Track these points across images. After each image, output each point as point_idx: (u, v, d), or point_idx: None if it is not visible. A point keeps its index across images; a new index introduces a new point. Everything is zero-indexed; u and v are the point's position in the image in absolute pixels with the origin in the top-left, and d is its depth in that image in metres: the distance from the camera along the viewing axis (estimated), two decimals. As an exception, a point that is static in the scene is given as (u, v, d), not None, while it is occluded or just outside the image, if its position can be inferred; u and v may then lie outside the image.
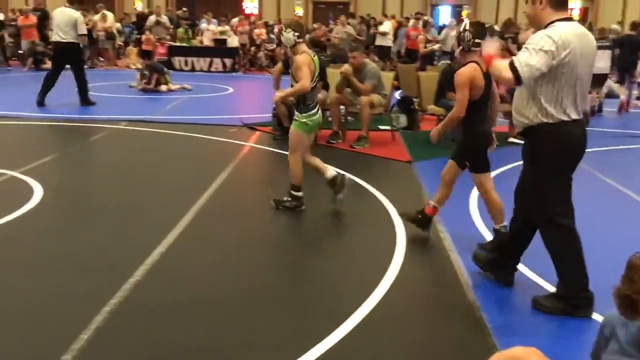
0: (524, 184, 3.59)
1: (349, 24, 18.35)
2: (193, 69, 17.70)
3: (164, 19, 19.28)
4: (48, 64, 14.16)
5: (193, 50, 18.26)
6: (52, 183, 5.84)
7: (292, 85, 5.21)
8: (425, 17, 18.30)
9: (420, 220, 4.66)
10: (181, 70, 17.41)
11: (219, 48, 18.27)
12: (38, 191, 5.51)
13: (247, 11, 22.70)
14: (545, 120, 3.35)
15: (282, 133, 8.39)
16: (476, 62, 4.12)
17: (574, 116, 3.37)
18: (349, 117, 8.63)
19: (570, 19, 3.41)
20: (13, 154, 7.04)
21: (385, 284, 3.82)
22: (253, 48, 19.13)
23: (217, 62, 17.85)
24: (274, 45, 16.21)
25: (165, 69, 13.44)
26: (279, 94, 5.34)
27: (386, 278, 3.90)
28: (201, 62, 17.85)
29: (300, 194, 5.28)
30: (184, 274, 3.96)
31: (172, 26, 19.45)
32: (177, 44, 18.53)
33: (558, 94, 3.31)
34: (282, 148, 7.79)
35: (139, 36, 19.04)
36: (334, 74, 8.51)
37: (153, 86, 12.71)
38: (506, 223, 4.15)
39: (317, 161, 5.39)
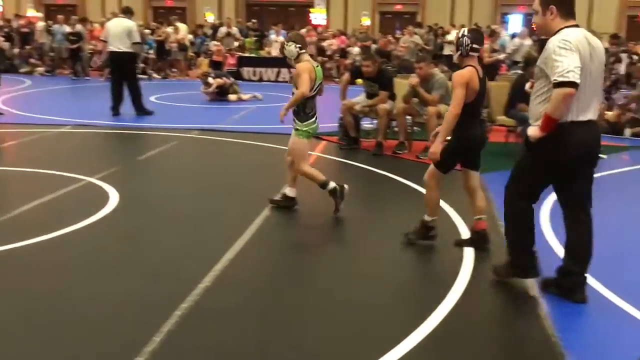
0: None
1: (415, 33, 18.26)
2: (261, 79, 18.03)
3: (234, 30, 19.72)
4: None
5: (261, 61, 18.61)
6: (126, 189, 6.07)
7: (292, 93, 5.36)
8: (494, 26, 17.99)
9: (477, 240, 4.63)
10: (249, 80, 17.76)
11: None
12: (114, 197, 5.74)
13: (314, 22, 22.89)
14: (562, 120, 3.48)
15: (349, 143, 8.43)
16: (474, 67, 4.34)
17: (583, 118, 3.52)
18: (415, 128, 8.57)
19: (576, 25, 3.57)
20: (90, 161, 7.36)
21: (450, 300, 3.76)
22: (320, 58, 19.29)
23: (284, 72, 18.10)
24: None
25: (234, 80, 13.75)
26: (282, 110, 5.44)
27: (452, 294, 3.85)
28: (269, 72, 18.16)
29: (332, 185, 5.34)
30: (252, 280, 4.03)
31: (242, 37, 19.87)
32: (246, 54, 18.92)
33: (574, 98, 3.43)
34: (348, 158, 7.83)
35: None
36: (400, 85, 8.49)
37: (212, 91, 12.98)
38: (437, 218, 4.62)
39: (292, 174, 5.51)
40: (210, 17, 25.49)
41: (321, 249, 4.82)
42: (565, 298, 3.75)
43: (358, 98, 8.59)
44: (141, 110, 10.81)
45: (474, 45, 4.32)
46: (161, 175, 7.00)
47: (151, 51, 18.06)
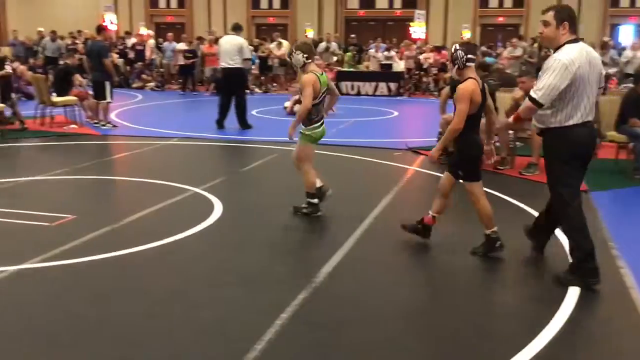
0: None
1: (518, 46, 17.76)
2: (359, 93, 18.15)
3: (334, 45, 20.00)
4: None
5: (359, 75, 18.76)
6: (230, 200, 6.29)
7: (299, 102, 5.50)
8: (605, 38, 17.17)
9: (420, 230, 4.96)
10: (347, 94, 17.92)
11: (385, 73, 18.58)
12: (218, 207, 5.96)
13: (414, 36, 22.76)
14: (554, 125, 4.12)
15: (448, 158, 8.31)
16: (474, 78, 4.48)
17: (577, 120, 4.08)
18: (517, 143, 8.33)
19: (577, 40, 4.12)
20: (196, 172, 7.69)
21: (559, 319, 3.63)
22: (419, 72, 19.18)
23: (382, 86, 18.15)
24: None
25: None
26: (290, 129, 5.68)
27: (560, 314, 3.70)
28: (367, 87, 18.26)
29: (315, 200, 5.69)
30: (350, 293, 4.06)
31: (340, 52, 20.12)
32: (345, 69, 19.12)
33: (569, 103, 4.05)
34: (447, 173, 7.72)
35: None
36: (503, 99, 8.29)
37: (290, 106, 13.22)
38: (496, 229, 4.66)
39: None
40: (311, 33, 25.99)
41: (420, 263, 4.78)
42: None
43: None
44: (244, 124, 11.18)
45: (469, 56, 4.48)
46: (263, 187, 7.19)
47: (254, 66, 18.65)
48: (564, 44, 4.09)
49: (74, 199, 6.44)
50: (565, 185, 4.18)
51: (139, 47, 20.55)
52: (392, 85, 18.18)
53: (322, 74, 5.64)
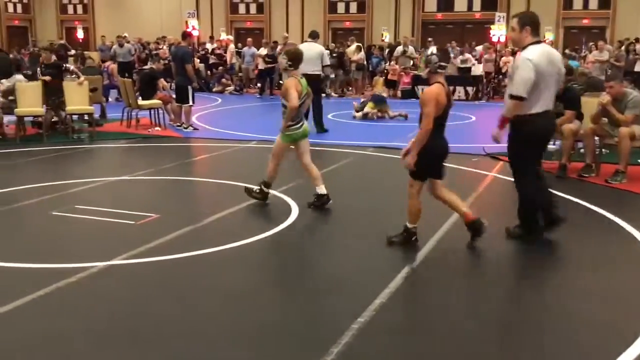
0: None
1: (604, 49, 17.07)
2: (435, 97, 17.91)
3: (410, 49, 19.85)
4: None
5: (436, 79, 18.52)
6: (306, 202, 6.34)
7: (283, 105, 6.08)
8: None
9: (475, 231, 5.01)
10: (424, 98, 17.75)
11: (462, 76, 18.27)
12: (294, 209, 6.04)
13: (494, 39, 22.27)
14: (520, 114, 4.89)
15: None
16: (441, 83, 4.79)
17: (544, 109, 4.91)
18: (604, 150, 8.00)
19: (539, 42, 5.00)
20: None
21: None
22: (498, 76, 18.75)
23: (460, 90, 17.84)
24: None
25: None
26: (282, 127, 6.13)
27: (648, 330, 3.54)
28: (444, 91, 18.01)
29: (267, 191, 6.23)
30: (426, 299, 4.02)
31: (417, 56, 19.94)
32: (421, 72, 18.91)
33: (531, 95, 4.82)
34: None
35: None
36: (588, 103, 7.98)
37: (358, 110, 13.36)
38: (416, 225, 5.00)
39: (315, 171, 6.20)
40: (387, 37, 25.90)
41: (496, 270, 4.67)
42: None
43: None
44: (321, 128, 11.31)
45: (441, 64, 4.83)
46: (338, 191, 7.21)
47: (331, 71, 18.77)
48: (528, 45, 4.91)
49: (158, 199, 6.68)
50: (523, 160, 5.06)
51: (218, 52, 21.09)
52: (470, 89, 17.86)
53: (301, 77, 6.15)
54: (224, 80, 20.22)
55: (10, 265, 4.50)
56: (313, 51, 11.18)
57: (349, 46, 19.64)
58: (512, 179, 5.31)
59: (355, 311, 3.72)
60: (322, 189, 6.14)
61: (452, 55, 19.49)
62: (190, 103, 11.46)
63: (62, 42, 24.14)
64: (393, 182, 7.63)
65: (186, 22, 20.10)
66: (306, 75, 11.19)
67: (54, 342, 3.42)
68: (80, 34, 29.45)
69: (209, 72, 20.72)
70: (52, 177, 7.44)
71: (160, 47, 20.64)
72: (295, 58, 6.17)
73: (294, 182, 7.24)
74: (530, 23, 4.95)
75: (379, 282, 4.19)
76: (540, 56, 4.83)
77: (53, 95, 10.53)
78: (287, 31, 26.01)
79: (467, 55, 18.81)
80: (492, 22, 23.42)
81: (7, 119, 10.51)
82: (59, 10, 32.67)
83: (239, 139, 10.49)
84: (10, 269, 4.45)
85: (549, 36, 24.10)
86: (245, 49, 20.09)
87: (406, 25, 28.45)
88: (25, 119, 10.68)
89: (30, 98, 10.37)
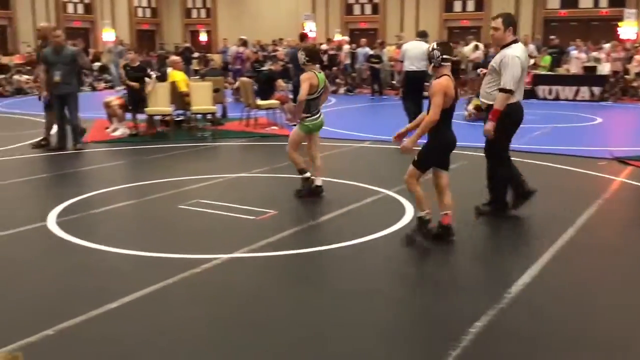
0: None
1: None
2: (557, 98, 17.16)
3: (531, 47, 19.11)
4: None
5: (558, 79, 17.71)
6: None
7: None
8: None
9: (442, 234, 5.04)
10: (544, 99, 17.04)
11: (587, 76, 17.34)
12: (409, 210, 6.01)
13: (622, 36, 20.97)
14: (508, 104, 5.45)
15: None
16: (448, 75, 4.87)
17: (517, 99, 5.54)
18: None
19: (517, 40, 5.58)
20: (387, 175, 7.80)
21: None
22: (628, 76, 17.64)
23: (584, 90, 16.97)
24: None
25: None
26: (292, 116, 6.70)
27: None
28: (566, 91, 17.19)
29: (307, 175, 6.57)
30: (548, 307, 3.88)
31: (538, 55, 19.17)
32: (542, 72, 18.18)
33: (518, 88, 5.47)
34: (661, 186, 7.03)
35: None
36: None
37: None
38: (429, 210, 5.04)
39: (319, 163, 6.62)
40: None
41: (619, 282, 4.41)
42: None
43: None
44: None
45: (445, 57, 4.86)
46: (455, 192, 7.10)
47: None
48: (510, 43, 5.47)
49: (275, 196, 6.89)
50: (505, 144, 5.67)
51: (331, 53, 21.37)
52: (596, 90, 16.92)
53: (320, 72, 6.48)
54: (337, 80, 20.46)
55: (141, 254, 4.82)
56: (419, 49, 11.09)
57: (466, 45, 19.21)
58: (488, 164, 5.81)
59: (474, 315, 3.65)
60: (319, 181, 6.58)
61: (574, 51, 18.56)
62: (307, 103, 11.69)
63: (187, 45, 25.42)
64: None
65: (303, 24, 20.55)
66: (410, 72, 11.25)
67: (180, 329, 3.63)
68: (203, 37, 30.92)
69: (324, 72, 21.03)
70: (179, 173, 7.88)
71: (278, 48, 21.21)
72: (312, 55, 6.51)
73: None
74: (512, 23, 5.57)
75: (498, 286, 4.10)
76: (522, 53, 5.50)
77: (136, 97, 10.90)
78: (402, 31, 25.88)
79: (595, 54, 17.83)
80: (620, 19, 22.11)
81: (138, 117, 11.25)
82: (184, 14, 34.44)
83: (353, 139, 10.58)
84: (141, 258, 4.77)
85: None
86: (359, 49, 20.21)
87: (526, 23, 27.39)
88: (155, 117, 11.37)
89: (159, 98, 11.04)
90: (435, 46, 4.95)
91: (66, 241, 5.14)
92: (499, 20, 5.52)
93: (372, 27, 30.29)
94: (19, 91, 19.26)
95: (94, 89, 20.71)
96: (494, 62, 5.56)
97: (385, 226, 5.50)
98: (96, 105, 12.80)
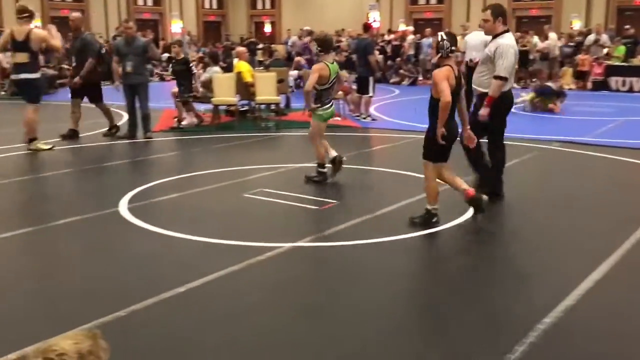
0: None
1: None
2: (631, 90, 16.48)
3: (604, 37, 18.42)
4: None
5: (633, 70, 17.00)
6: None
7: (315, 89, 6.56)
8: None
9: (476, 206, 5.21)
10: (617, 91, 16.39)
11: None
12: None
13: (703, 24, 19.91)
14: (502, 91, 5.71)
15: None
16: (451, 66, 4.93)
17: (509, 87, 5.81)
18: None
19: (508, 30, 5.85)
20: (453, 167, 7.69)
21: None
22: None
23: (658, 83, 16.23)
24: None
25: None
26: (308, 104, 6.66)
27: None
28: (641, 83, 16.49)
29: (324, 170, 6.71)
30: (616, 305, 3.77)
31: (611, 45, 18.45)
32: (615, 63, 17.48)
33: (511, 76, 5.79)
34: None
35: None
36: None
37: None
38: (437, 206, 5.20)
39: (325, 143, 6.78)
40: (577, 24, 24.22)
41: None
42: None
43: None
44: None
45: (453, 48, 4.96)
46: (519, 187, 6.96)
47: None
48: (501, 32, 5.72)
49: (337, 186, 6.91)
50: (499, 129, 5.96)
51: (395, 43, 21.18)
52: (672, 82, 16.16)
53: (332, 62, 6.55)
54: (401, 71, 20.27)
55: (208, 241, 4.94)
56: (479, 39, 10.85)
57: (535, 35, 18.67)
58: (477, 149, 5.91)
59: (542, 312, 3.58)
60: (333, 152, 6.79)
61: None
62: (371, 94, 11.67)
63: (252, 39, 25.65)
64: (579, 179, 7.19)
65: (367, 14, 20.43)
66: (470, 63, 11.01)
67: (245, 314, 3.71)
68: (267, 28, 31.19)
69: (386, 63, 20.87)
70: (243, 162, 8.02)
71: (341, 39, 21.18)
72: (324, 44, 6.61)
73: (471, 176, 7.08)
74: (501, 14, 5.78)
75: (568, 282, 4.00)
76: (514, 43, 5.79)
77: (184, 87, 10.94)
78: (468, 20, 25.38)
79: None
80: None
81: (204, 107, 11.48)
82: (250, 6, 34.84)
83: (416, 130, 10.47)
84: (207, 244, 4.89)
85: None
86: (424, 40, 19.95)
87: (599, 12, 26.34)
88: (220, 107, 11.58)
89: (224, 88, 11.23)
90: (444, 37, 5.00)
91: (137, 226, 5.33)
92: (488, 12, 5.78)
93: (437, 17, 29.79)
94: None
95: (162, 79, 21.24)
96: (488, 51, 5.78)
97: (449, 218, 5.43)
98: (165, 95, 13.14)
